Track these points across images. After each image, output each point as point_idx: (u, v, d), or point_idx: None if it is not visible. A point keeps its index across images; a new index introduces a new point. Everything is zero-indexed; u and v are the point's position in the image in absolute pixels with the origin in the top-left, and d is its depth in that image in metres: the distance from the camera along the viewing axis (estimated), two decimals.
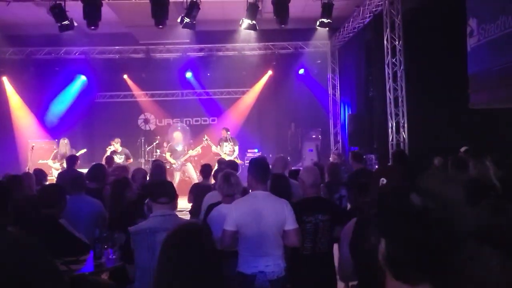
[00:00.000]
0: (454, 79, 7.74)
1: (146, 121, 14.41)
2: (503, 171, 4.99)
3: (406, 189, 1.21)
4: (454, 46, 7.66)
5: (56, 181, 7.39)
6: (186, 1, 8.56)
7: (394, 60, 9.16)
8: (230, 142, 11.13)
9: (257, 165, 3.61)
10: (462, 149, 6.88)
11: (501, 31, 6.11)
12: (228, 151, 11.02)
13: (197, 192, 5.80)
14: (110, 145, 10.28)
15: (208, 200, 4.43)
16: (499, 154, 5.46)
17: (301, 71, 13.83)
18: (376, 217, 1.24)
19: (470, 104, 7.16)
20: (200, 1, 8.62)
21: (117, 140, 10.30)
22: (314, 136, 13.29)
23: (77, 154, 10.26)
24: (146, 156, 12.41)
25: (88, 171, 5.54)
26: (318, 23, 9.16)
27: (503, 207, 2.34)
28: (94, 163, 6.21)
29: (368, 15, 10.44)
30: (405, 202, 1.18)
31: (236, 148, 11.27)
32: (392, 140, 9.25)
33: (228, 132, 11.23)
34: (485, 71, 6.64)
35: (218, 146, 11.12)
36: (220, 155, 10.69)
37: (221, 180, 3.96)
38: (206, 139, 11.16)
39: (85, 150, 10.71)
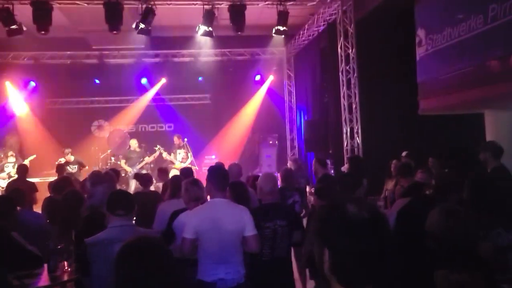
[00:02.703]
0: (405, 86, 8.06)
1: (100, 128, 14.05)
2: (445, 172, 5.26)
3: (343, 201, 1.28)
4: (405, 54, 7.99)
5: (5, 192, 7.05)
6: (141, 7, 8.44)
7: (347, 67, 9.43)
8: (184, 149, 11.02)
9: (216, 172, 3.61)
10: (404, 153, 7.18)
11: (447, 42, 6.44)
12: (182, 158, 10.91)
13: (137, 201, 5.68)
14: (62, 157, 9.96)
15: (165, 210, 4.34)
16: (444, 157, 5.75)
17: (257, 77, 13.94)
18: (317, 229, 1.29)
19: (419, 110, 7.48)
20: (156, 7, 8.53)
21: (67, 151, 10.00)
22: (271, 142, 13.43)
23: (27, 161, 9.88)
24: (100, 164, 12.07)
25: (53, 182, 5.34)
26: (274, 30, 9.28)
27: (454, 210, 2.47)
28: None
29: (322, 23, 10.70)
30: (342, 213, 1.25)
31: (190, 154, 11.16)
32: (346, 145, 9.49)
33: (181, 139, 11.09)
34: (433, 79, 6.96)
35: (172, 154, 10.96)
36: (174, 163, 10.58)
37: (188, 185, 3.91)
38: (158, 148, 10.99)
39: (34, 156, 10.31)
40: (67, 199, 4.16)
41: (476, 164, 4.89)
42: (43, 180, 9.99)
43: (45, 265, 3.52)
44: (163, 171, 7.19)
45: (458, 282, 2.22)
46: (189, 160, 11.07)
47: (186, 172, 5.88)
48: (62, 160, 9.86)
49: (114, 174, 6.02)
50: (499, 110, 7.07)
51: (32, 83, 13.04)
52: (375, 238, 1.23)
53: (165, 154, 10.90)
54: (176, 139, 11.07)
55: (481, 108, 7.11)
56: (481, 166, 4.83)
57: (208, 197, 3.73)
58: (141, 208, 5.06)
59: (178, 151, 11.01)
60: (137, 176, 6.65)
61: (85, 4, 8.63)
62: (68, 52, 12.27)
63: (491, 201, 3.40)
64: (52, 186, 5.30)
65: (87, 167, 10.15)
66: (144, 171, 10.74)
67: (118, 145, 12.29)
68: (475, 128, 7.42)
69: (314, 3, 9.47)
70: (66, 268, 3.53)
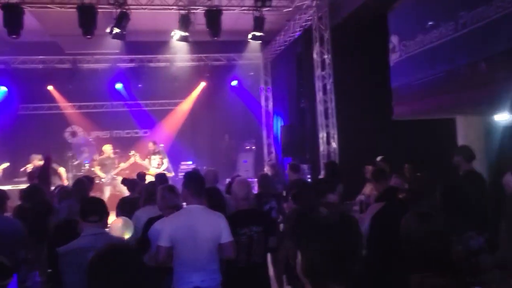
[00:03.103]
0: (380, 92, 8.18)
1: (74, 134, 13.79)
2: (418, 176, 5.36)
3: (316, 205, 1.39)
4: (379, 60, 8.11)
5: None
6: (116, 11, 8.33)
7: (323, 73, 9.51)
8: (159, 155, 10.89)
9: (192, 179, 3.58)
10: (378, 158, 7.29)
11: (420, 48, 6.57)
12: (157, 164, 10.79)
13: (125, 206, 5.60)
14: (29, 163, 9.57)
15: (139, 217, 4.27)
16: (419, 162, 5.86)
17: (234, 82, 13.94)
18: (291, 232, 1.43)
19: (393, 116, 7.60)
20: (131, 11, 8.43)
21: (37, 157, 9.59)
22: (248, 147, 13.42)
23: (0, 168, 9.59)
24: (74, 170, 11.82)
25: (23, 190, 5.18)
26: (250, 36, 9.30)
27: (427, 214, 2.50)
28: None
29: (298, 29, 10.78)
30: (314, 215, 1.33)
31: (165, 160, 11.04)
32: (323, 150, 9.56)
33: (155, 145, 10.96)
34: (406, 85, 7.08)
35: (146, 160, 10.82)
36: (149, 169, 10.45)
37: (164, 191, 3.86)
38: (133, 154, 10.83)
39: (7, 164, 10.00)
40: (35, 208, 4.05)
41: (449, 169, 5.00)
42: (15, 187, 9.70)
43: (15, 275, 3.41)
44: (141, 177, 7.13)
45: (432, 286, 2.25)
46: (164, 166, 10.93)
47: (161, 178, 5.80)
48: (30, 167, 9.50)
49: (87, 181, 5.91)
50: (469, 115, 7.25)
51: (3, 88, 12.70)
52: (343, 239, 1.29)
53: (139, 160, 10.75)
54: (150, 145, 10.93)
55: (452, 114, 7.27)
56: (454, 170, 4.93)
57: (184, 203, 3.70)
58: (127, 215, 4.99)
59: (153, 157, 10.86)
60: (124, 181, 6.52)
61: (58, 8, 8.46)
62: (41, 57, 12.01)
63: (461, 205, 3.48)
64: (21, 194, 5.15)
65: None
66: (119, 178, 10.58)
67: (83, 153, 12.08)
68: (448, 133, 7.59)
69: (290, 9, 9.55)
70: (37, 278, 3.43)
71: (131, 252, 1.85)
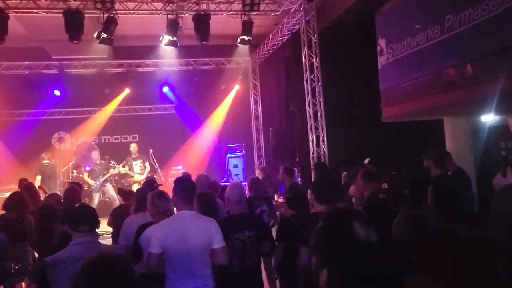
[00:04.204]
0: (368, 94, 8.23)
1: (61, 140, 13.64)
2: (394, 175, 5.39)
3: (348, 217, 1.20)
4: (367, 63, 8.16)
5: None
6: (103, 16, 8.26)
7: (312, 76, 9.54)
8: (139, 159, 10.80)
9: (183, 184, 3.55)
10: (366, 160, 7.34)
11: (407, 51, 6.63)
12: (140, 169, 10.70)
13: (119, 215, 5.54)
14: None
15: (130, 224, 4.22)
16: (410, 164, 5.89)
17: (223, 87, 13.83)
18: (316, 245, 1.21)
19: (382, 118, 7.64)
20: (118, 16, 8.38)
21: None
22: (238, 151, 13.40)
23: None
24: (62, 177, 11.69)
25: (7, 200, 5.06)
26: (238, 40, 9.30)
27: (419, 216, 2.51)
28: (12, 192, 5.64)
29: (286, 33, 10.82)
30: (349, 232, 1.16)
31: (147, 164, 10.96)
32: (313, 153, 9.58)
33: (135, 149, 10.86)
34: (394, 87, 7.14)
35: (126, 167, 10.70)
36: (133, 177, 10.36)
37: (155, 198, 3.82)
38: (114, 164, 10.70)
39: None
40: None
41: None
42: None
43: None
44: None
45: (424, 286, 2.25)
46: (146, 170, 10.85)
47: (150, 183, 5.75)
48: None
49: (78, 187, 5.84)
50: (457, 116, 7.33)
51: None
52: (379, 264, 1.17)
53: (122, 169, 10.63)
54: (132, 149, 10.82)
55: (440, 115, 7.34)
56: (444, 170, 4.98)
57: (175, 209, 3.67)
58: (120, 222, 4.93)
59: (134, 163, 10.77)
60: (120, 192, 6.51)
61: (44, 13, 8.38)
62: (26, 62, 11.86)
63: (451, 206, 3.50)
64: (5, 204, 5.02)
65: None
66: (108, 184, 10.48)
67: (86, 158, 11.91)
68: (436, 134, 7.66)
69: (278, 13, 9.58)
70: None
71: (119, 262, 1.81)
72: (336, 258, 1.15)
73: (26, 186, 6.23)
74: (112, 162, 10.77)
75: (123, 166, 10.67)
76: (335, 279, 1.15)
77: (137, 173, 10.59)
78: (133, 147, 10.92)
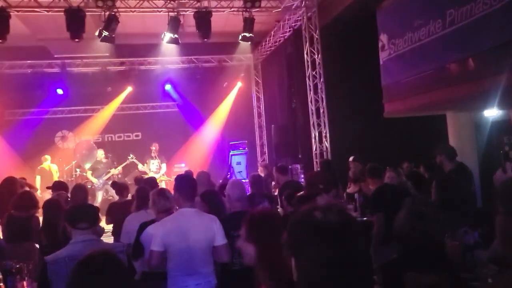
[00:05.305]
0: (371, 90, 8.21)
1: (64, 138, 13.66)
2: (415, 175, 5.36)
3: (311, 207, 1.19)
4: (369, 59, 8.14)
5: None
6: (104, 14, 8.26)
7: (314, 72, 9.52)
8: (157, 159, 10.85)
9: (184, 182, 3.55)
10: (351, 158, 7.36)
11: (409, 46, 6.60)
12: (155, 168, 10.74)
13: (114, 212, 5.56)
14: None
15: (132, 222, 4.23)
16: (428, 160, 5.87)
17: (225, 84, 13.84)
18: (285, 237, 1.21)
19: (384, 113, 7.62)
20: (119, 14, 8.37)
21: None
22: (241, 148, 13.38)
23: None
24: (65, 176, 11.72)
25: (15, 199, 5.09)
26: (240, 37, 9.27)
27: (420, 211, 2.50)
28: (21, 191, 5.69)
29: (288, 30, 10.79)
30: (308, 219, 1.15)
31: (164, 165, 11.02)
32: (315, 149, 9.56)
33: (154, 148, 10.93)
34: (396, 83, 7.12)
35: (145, 164, 10.80)
36: (147, 174, 10.40)
37: (155, 196, 3.82)
38: (132, 157, 10.78)
39: None
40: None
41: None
42: None
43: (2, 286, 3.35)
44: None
45: (427, 283, 2.24)
46: (162, 171, 10.93)
47: (150, 182, 5.75)
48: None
49: (85, 186, 5.89)
50: (459, 111, 7.30)
51: None
52: (343, 245, 1.10)
53: (140, 165, 10.74)
54: (154, 147, 10.89)
55: (442, 110, 7.32)
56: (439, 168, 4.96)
57: (177, 206, 3.67)
58: (117, 220, 4.94)
59: (152, 161, 10.83)
60: (114, 185, 6.49)
61: (45, 12, 8.38)
62: (29, 61, 11.88)
63: (457, 200, 3.49)
64: (14, 202, 5.05)
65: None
66: (110, 182, 10.51)
67: (85, 157, 11.95)
68: (439, 129, 7.63)
69: (279, 9, 9.54)
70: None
71: (111, 260, 1.81)
72: (297, 244, 1.15)
73: (6, 180, 6.32)
74: (131, 155, 10.80)
75: (142, 163, 10.76)
76: (298, 264, 1.14)
77: (152, 171, 10.62)
78: (154, 147, 10.98)
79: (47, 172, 10.80)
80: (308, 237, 1.13)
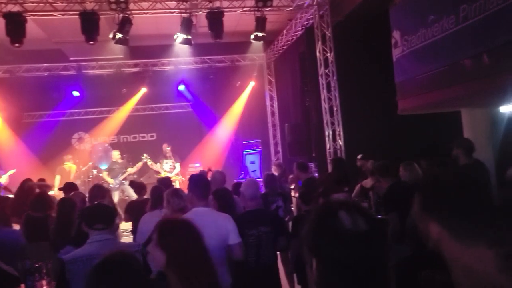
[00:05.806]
0: (384, 87, 8.14)
1: (80, 140, 13.86)
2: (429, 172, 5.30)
3: (335, 207, 1.16)
4: (382, 56, 8.08)
5: None
6: (118, 16, 8.37)
7: (327, 71, 9.49)
8: (171, 159, 10.95)
9: (197, 181, 3.59)
10: (359, 156, 7.30)
11: (422, 42, 6.53)
12: (169, 168, 10.84)
13: (133, 210, 5.64)
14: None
15: (147, 221, 4.28)
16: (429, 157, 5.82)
17: (238, 83, 13.88)
18: (306, 237, 1.18)
19: (398, 111, 7.56)
20: (133, 16, 8.47)
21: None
22: (254, 148, 13.41)
23: (7, 175, 9.67)
24: (82, 176, 11.90)
25: (33, 199, 5.23)
26: (252, 36, 9.30)
27: None
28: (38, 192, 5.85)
29: (300, 28, 10.78)
30: (334, 221, 1.12)
31: (178, 165, 11.11)
32: (329, 148, 9.54)
33: (168, 148, 11.04)
34: (410, 79, 7.05)
35: (158, 164, 10.91)
36: (161, 173, 10.49)
37: (169, 196, 3.87)
38: (145, 157, 10.90)
39: (14, 170, 10.09)
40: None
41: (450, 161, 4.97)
42: None
43: (22, 285, 3.43)
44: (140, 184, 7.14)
45: (443, 282, 2.23)
46: (176, 171, 11.01)
47: (165, 182, 5.82)
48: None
49: (104, 186, 6.00)
50: (474, 107, 7.20)
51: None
52: (369, 252, 1.11)
53: (151, 163, 10.84)
54: (165, 147, 11.00)
55: (457, 106, 7.23)
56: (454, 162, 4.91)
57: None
58: (136, 218, 5.03)
59: (165, 161, 10.94)
60: (132, 184, 6.63)
61: (60, 15, 8.53)
62: (45, 65, 12.10)
63: (476, 197, 3.44)
64: (31, 203, 5.18)
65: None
66: (126, 183, 10.64)
67: (101, 158, 12.11)
68: (454, 126, 7.54)
69: (291, 8, 9.55)
70: (44, 287, 3.44)
71: (132, 259, 1.85)
72: (320, 247, 1.13)
73: (23, 182, 6.53)
74: (144, 155, 10.95)
75: (155, 163, 10.90)
76: (321, 267, 1.14)
77: (166, 171, 10.72)
78: (165, 148, 11.08)
79: (66, 172, 11.01)
80: (333, 242, 1.12)
